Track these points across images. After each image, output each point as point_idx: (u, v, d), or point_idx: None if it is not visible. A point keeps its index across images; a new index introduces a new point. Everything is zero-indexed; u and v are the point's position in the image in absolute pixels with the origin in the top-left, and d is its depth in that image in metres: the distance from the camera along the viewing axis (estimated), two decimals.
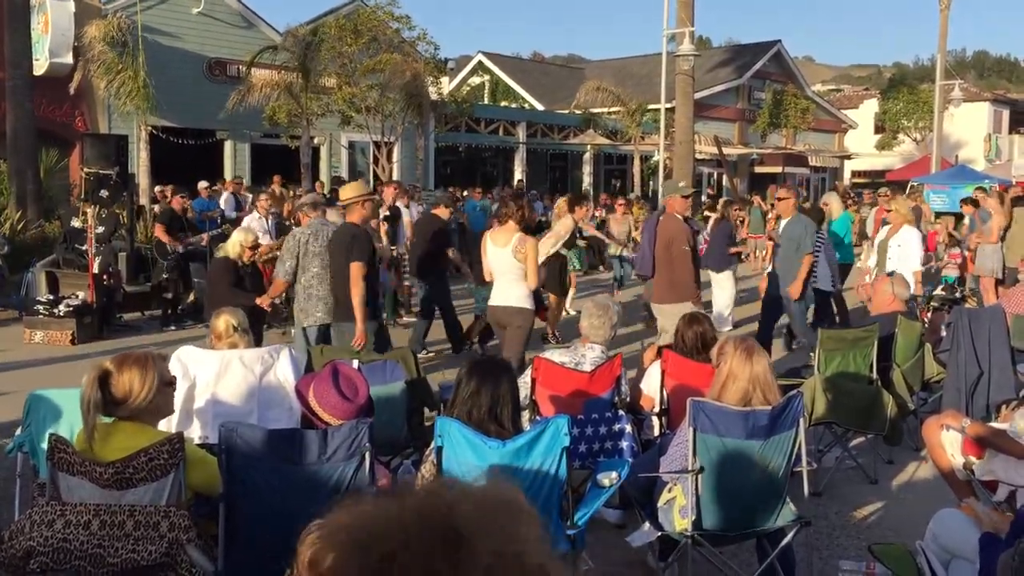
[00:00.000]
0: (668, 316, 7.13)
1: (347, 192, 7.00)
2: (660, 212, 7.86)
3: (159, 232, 11.80)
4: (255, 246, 7.59)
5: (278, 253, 8.48)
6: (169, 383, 3.42)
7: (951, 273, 14.29)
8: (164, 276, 11.54)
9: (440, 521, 0.89)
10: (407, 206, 12.38)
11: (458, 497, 0.93)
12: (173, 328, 11.24)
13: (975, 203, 13.31)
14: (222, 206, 15.19)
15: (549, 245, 9.91)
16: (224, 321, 4.88)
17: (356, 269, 6.43)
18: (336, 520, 0.92)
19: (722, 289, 11.57)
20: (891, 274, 7.44)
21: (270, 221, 11.76)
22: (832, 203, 10.89)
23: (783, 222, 8.75)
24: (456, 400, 3.54)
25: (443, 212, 10.08)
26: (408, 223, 11.93)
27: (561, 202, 11.48)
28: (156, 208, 15.44)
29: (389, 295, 11.29)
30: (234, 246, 7.34)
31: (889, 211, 11.48)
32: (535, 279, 6.62)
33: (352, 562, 0.87)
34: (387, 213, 11.31)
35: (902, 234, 9.20)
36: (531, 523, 0.94)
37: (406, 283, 11.83)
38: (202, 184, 16.59)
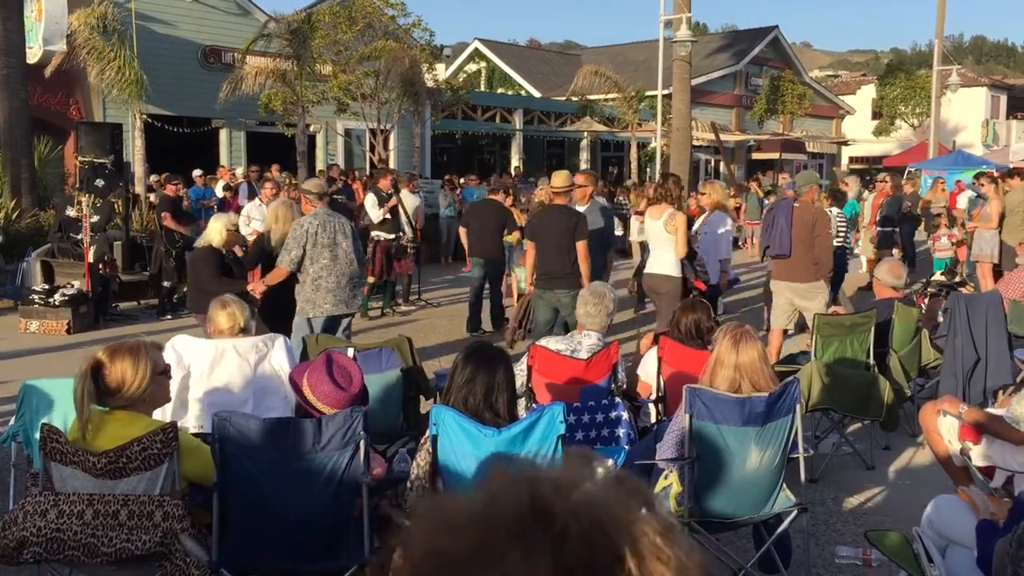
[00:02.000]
0: (805, 294, 7.83)
1: (560, 180, 7.82)
2: (792, 198, 8.28)
3: (167, 221, 11.75)
4: (236, 228, 7.44)
5: None
6: (163, 372, 3.40)
7: (946, 255, 14.27)
8: (173, 264, 11.52)
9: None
10: (413, 192, 12.44)
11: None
12: (169, 317, 11.21)
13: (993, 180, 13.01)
14: (239, 194, 15.22)
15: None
16: (229, 317, 4.63)
17: (583, 247, 7.42)
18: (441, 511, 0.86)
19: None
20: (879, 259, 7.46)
21: None
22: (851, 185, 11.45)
23: (581, 209, 8.21)
24: (452, 387, 3.52)
25: (500, 196, 11.03)
26: (419, 211, 12.17)
27: (540, 192, 11.47)
28: (151, 197, 15.38)
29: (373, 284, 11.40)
30: (219, 233, 7.10)
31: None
32: (683, 249, 7.61)
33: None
34: (388, 216, 11.31)
35: (711, 220, 8.79)
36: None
37: (408, 271, 11.91)
38: (197, 172, 16.55)
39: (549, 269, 7.55)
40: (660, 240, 7.70)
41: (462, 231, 11.09)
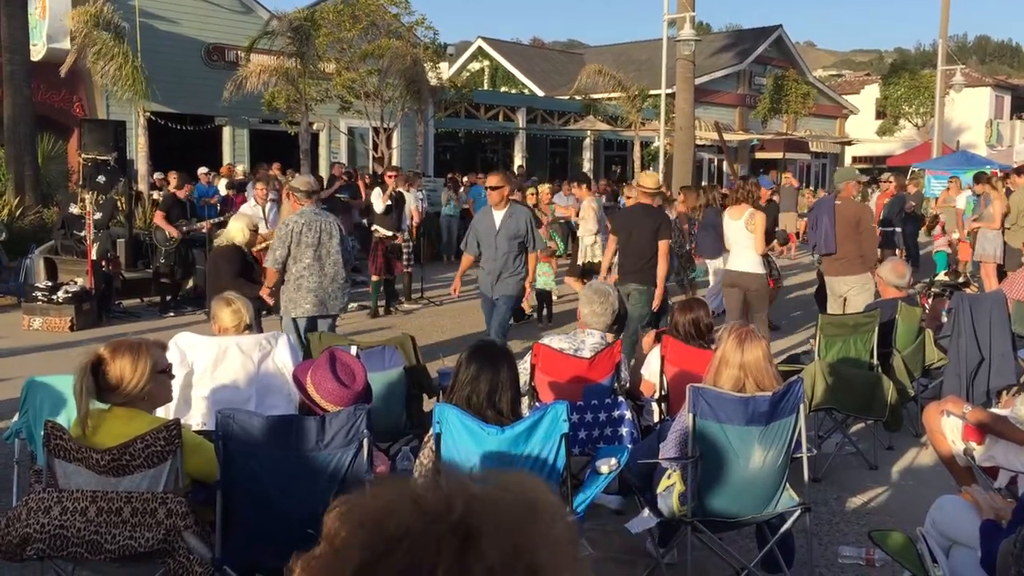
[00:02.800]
0: (854, 285, 8.22)
1: (650, 181, 8.26)
2: (834, 195, 8.58)
3: (159, 219, 11.77)
4: (256, 228, 7.48)
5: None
6: (164, 371, 3.39)
7: (943, 248, 14.23)
8: (162, 262, 11.52)
9: (452, 513, 0.88)
10: (418, 190, 12.49)
11: (474, 491, 0.91)
12: (172, 315, 11.22)
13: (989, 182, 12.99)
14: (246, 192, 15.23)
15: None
16: (233, 314, 4.62)
17: (665, 246, 7.72)
18: (357, 498, 0.94)
19: (715, 276, 11.48)
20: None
21: (268, 208, 11.69)
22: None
23: (499, 214, 7.41)
24: (455, 385, 3.51)
25: (518, 196, 10.96)
26: (415, 210, 12.21)
27: (544, 189, 11.59)
28: (155, 195, 15.39)
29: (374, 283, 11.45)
30: (240, 232, 7.10)
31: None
32: (761, 246, 7.88)
33: (359, 539, 0.88)
34: (389, 203, 11.32)
35: None
36: (550, 524, 0.90)
37: (408, 269, 11.93)
38: (202, 170, 16.56)
39: (626, 263, 7.89)
40: (741, 238, 7.93)
41: None
